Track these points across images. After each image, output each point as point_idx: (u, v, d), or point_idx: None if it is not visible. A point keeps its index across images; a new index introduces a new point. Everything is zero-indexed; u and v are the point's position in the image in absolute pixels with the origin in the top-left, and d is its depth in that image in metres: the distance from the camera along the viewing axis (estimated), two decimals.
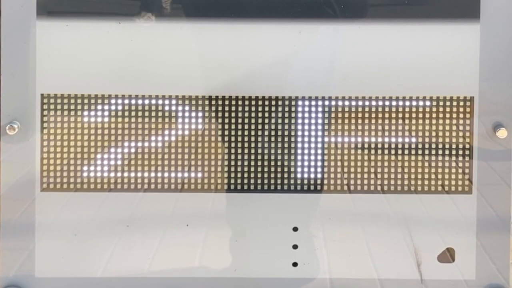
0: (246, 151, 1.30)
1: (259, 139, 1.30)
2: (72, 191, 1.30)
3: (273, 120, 1.30)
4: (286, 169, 1.31)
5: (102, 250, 1.32)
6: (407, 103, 1.30)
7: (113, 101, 1.29)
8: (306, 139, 1.31)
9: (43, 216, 1.30)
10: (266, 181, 1.31)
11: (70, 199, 1.30)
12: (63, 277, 1.31)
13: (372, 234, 1.32)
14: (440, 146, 1.31)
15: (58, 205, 1.30)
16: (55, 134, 1.29)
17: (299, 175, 1.31)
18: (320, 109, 1.30)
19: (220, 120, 1.30)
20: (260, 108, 1.30)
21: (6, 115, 1.28)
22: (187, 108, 1.30)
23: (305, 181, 1.31)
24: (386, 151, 1.31)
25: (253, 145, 1.30)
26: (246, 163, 1.31)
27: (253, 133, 1.30)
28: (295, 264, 1.33)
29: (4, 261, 1.30)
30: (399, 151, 1.31)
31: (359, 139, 1.31)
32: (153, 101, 1.29)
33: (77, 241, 1.31)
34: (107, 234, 1.31)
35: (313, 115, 1.30)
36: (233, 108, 1.30)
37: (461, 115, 1.31)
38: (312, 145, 1.30)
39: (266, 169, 1.31)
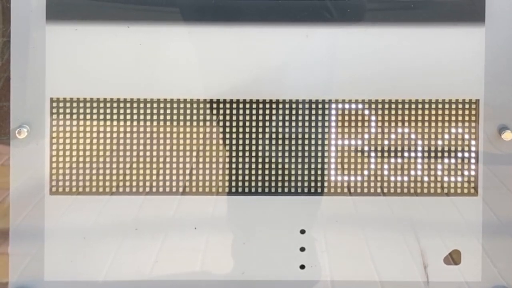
0: (254, 154, 1.31)
1: (266, 142, 1.31)
2: (81, 194, 1.30)
3: (280, 123, 1.31)
4: (293, 172, 1.31)
5: (111, 253, 1.32)
6: (413, 105, 1.31)
7: (122, 104, 1.30)
8: (313, 142, 1.31)
9: (52, 219, 1.30)
10: (273, 183, 1.32)
11: (79, 202, 1.31)
12: (72, 281, 1.31)
13: (381, 236, 1.33)
14: (446, 148, 1.31)
15: (67, 208, 1.31)
16: (64, 138, 1.30)
17: (306, 178, 1.32)
18: (326, 112, 1.31)
19: (228, 124, 1.30)
20: (267, 111, 1.30)
21: (16, 119, 1.29)
22: (195, 111, 1.30)
23: (313, 184, 1.32)
24: (392, 154, 1.31)
25: (260, 148, 1.31)
26: (254, 166, 1.31)
27: (260, 136, 1.31)
28: (302, 267, 1.33)
29: (13, 264, 1.30)
30: (405, 154, 1.31)
31: (366, 142, 1.31)
32: (162, 105, 1.30)
33: (86, 244, 1.31)
34: (116, 237, 1.31)
35: (316, 118, 1.31)
36: (240, 111, 1.30)
37: (466, 118, 1.31)
38: (318, 148, 1.31)
39: (274, 172, 1.31)
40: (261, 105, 1.30)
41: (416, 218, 1.33)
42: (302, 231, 1.33)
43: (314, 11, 1.30)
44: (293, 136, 1.31)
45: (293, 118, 1.31)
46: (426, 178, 1.32)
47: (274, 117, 1.31)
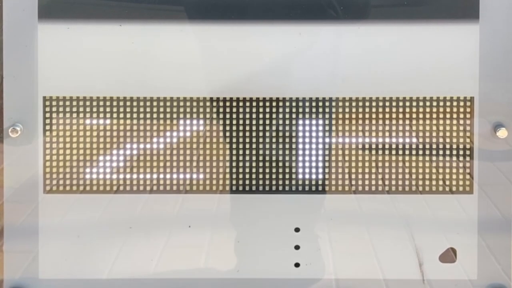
0: (247, 152, 1.31)
1: (261, 140, 1.31)
2: (76, 193, 1.31)
3: (275, 122, 1.30)
4: (288, 170, 1.31)
5: (106, 251, 1.32)
6: (407, 103, 1.30)
7: (115, 103, 1.30)
8: (307, 140, 1.31)
9: (47, 218, 1.31)
10: (268, 182, 1.31)
11: (74, 201, 1.31)
12: (66, 279, 1.32)
13: (376, 234, 1.32)
14: (441, 146, 1.31)
15: (62, 207, 1.31)
16: (58, 136, 1.30)
17: (300, 176, 1.32)
18: (322, 110, 1.31)
19: (222, 122, 1.30)
20: (262, 110, 1.30)
21: (9, 118, 1.29)
22: (189, 109, 1.30)
23: (307, 182, 1.32)
24: (387, 152, 1.31)
25: (254, 146, 1.31)
26: (248, 164, 1.31)
27: (254, 134, 1.30)
28: (297, 265, 1.33)
29: (8, 263, 1.31)
30: (400, 152, 1.31)
31: (360, 140, 1.31)
32: (155, 103, 1.30)
33: (80, 243, 1.31)
34: (111, 235, 1.32)
35: (315, 116, 1.31)
36: (235, 110, 1.30)
37: (461, 115, 1.31)
38: (314, 146, 1.31)
39: (267, 170, 1.31)
40: (260, 103, 1.30)
41: (411, 216, 1.32)
42: (297, 229, 1.33)
43: (315, 10, 1.29)
44: (294, 134, 1.31)
45: (289, 116, 1.31)
46: (421, 176, 1.32)
47: (269, 115, 1.30)
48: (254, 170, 1.31)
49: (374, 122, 1.31)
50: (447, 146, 1.31)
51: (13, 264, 1.31)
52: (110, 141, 1.30)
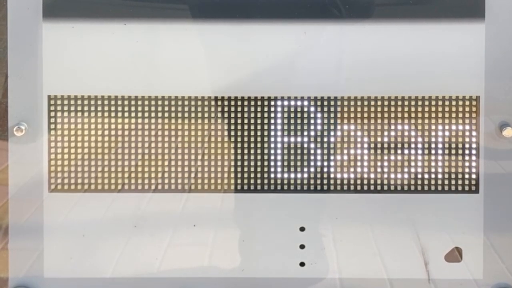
0: (252, 151, 1.31)
1: (266, 139, 1.30)
2: (80, 192, 1.31)
3: (279, 120, 1.30)
4: (293, 169, 1.31)
5: (111, 250, 1.32)
6: (412, 102, 1.30)
7: (119, 102, 1.30)
8: (311, 139, 1.31)
9: (52, 217, 1.31)
10: (272, 181, 1.31)
11: (79, 200, 1.31)
12: (71, 278, 1.32)
13: (381, 234, 1.32)
14: (447, 145, 1.31)
15: (67, 206, 1.31)
16: (63, 135, 1.30)
17: (306, 175, 1.31)
18: (326, 109, 1.30)
19: (226, 121, 1.30)
20: (267, 109, 1.30)
21: (14, 117, 1.29)
22: (193, 108, 1.30)
23: (312, 181, 1.31)
24: (392, 151, 1.31)
25: (259, 145, 1.31)
26: (252, 163, 1.31)
27: (259, 133, 1.30)
28: (302, 264, 1.33)
29: (13, 261, 1.31)
30: (405, 151, 1.31)
31: (365, 139, 1.31)
32: (160, 102, 1.30)
33: (85, 242, 1.31)
34: (115, 234, 1.32)
35: (319, 115, 1.31)
36: (240, 109, 1.30)
37: (467, 115, 1.30)
38: (318, 145, 1.31)
39: (272, 169, 1.31)
40: (266, 103, 1.30)
41: (416, 215, 1.32)
42: (302, 229, 1.33)
43: (319, 9, 1.29)
44: (292, 133, 1.31)
45: (292, 115, 1.31)
46: (426, 176, 1.31)
47: (273, 114, 1.30)
48: (259, 169, 1.31)
49: (379, 121, 1.31)
50: (453, 145, 1.31)
51: (18, 262, 1.32)
52: (114, 139, 1.31)
